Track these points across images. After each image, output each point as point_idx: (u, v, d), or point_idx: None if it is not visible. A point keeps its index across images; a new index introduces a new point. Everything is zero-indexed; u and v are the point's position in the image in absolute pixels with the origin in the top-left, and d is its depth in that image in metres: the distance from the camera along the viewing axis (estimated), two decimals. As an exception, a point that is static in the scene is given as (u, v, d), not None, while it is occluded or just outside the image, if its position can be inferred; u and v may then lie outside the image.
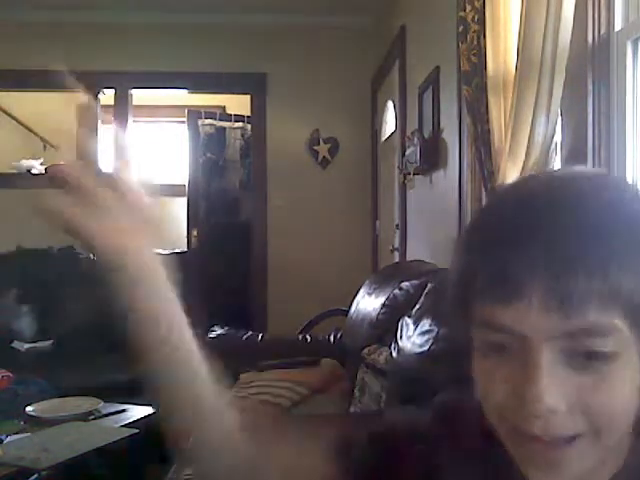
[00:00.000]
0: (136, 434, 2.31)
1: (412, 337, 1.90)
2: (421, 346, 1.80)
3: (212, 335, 2.95)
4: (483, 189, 2.18)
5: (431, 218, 3.13)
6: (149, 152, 6.00)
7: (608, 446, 0.52)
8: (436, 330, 1.78)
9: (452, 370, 0.61)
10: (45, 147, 5.86)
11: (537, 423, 0.50)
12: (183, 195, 5.36)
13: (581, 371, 0.50)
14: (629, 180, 0.55)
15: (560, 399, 0.50)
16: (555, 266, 0.49)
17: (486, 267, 0.52)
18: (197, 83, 4.85)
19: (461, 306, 0.55)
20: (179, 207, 5.61)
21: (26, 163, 5.00)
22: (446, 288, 0.59)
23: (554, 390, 0.50)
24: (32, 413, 2.44)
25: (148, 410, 2.56)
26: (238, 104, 5.47)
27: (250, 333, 2.96)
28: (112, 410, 2.53)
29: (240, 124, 5.42)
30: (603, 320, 0.49)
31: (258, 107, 4.82)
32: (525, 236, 0.51)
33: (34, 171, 4.98)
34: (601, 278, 0.48)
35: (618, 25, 1.59)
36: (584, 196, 0.52)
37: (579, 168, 0.59)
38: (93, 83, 4.66)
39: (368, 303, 2.55)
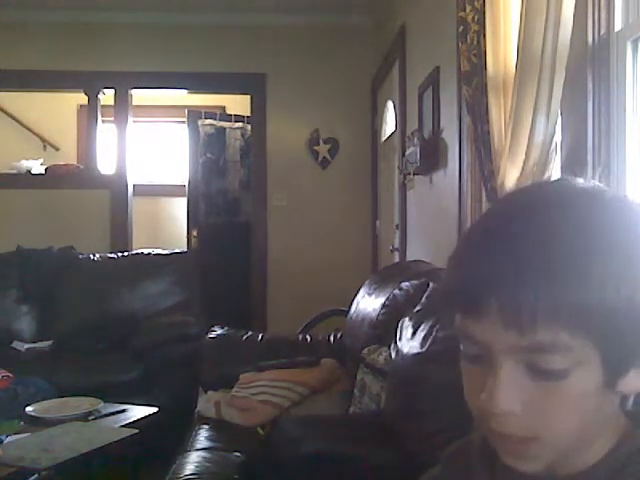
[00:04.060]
0: (136, 434, 2.30)
1: (412, 338, 1.90)
2: (421, 347, 1.80)
3: (212, 335, 2.95)
4: (483, 189, 2.18)
5: (431, 218, 3.12)
6: (149, 152, 6.00)
7: (564, 445, 0.56)
8: (436, 331, 1.77)
9: (451, 371, 0.62)
10: (45, 147, 5.86)
11: (497, 421, 0.55)
12: (183, 195, 5.36)
13: (537, 382, 0.54)
14: (594, 194, 0.58)
15: (515, 403, 0.54)
16: (509, 284, 0.52)
17: (457, 281, 0.57)
18: (197, 83, 4.85)
19: (447, 315, 0.60)
20: (179, 207, 5.61)
21: (26, 163, 5.00)
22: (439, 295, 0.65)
23: (510, 396, 0.54)
24: (32, 413, 2.44)
25: (148, 410, 2.57)
26: (238, 104, 5.47)
27: (250, 333, 2.96)
28: (112, 410, 2.52)
29: (240, 124, 5.42)
30: (551, 337, 0.52)
31: (258, 107, 4.82)
32: (487, 254, 0.55)
33: (34, 171, 4.98)
34: (545, 296, 0.51)
35: (618, 25, 1.59)
36: (537, 214, 0.55)
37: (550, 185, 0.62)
38: (93, 83, 4.66)
39: (368, 303, 2.54)
